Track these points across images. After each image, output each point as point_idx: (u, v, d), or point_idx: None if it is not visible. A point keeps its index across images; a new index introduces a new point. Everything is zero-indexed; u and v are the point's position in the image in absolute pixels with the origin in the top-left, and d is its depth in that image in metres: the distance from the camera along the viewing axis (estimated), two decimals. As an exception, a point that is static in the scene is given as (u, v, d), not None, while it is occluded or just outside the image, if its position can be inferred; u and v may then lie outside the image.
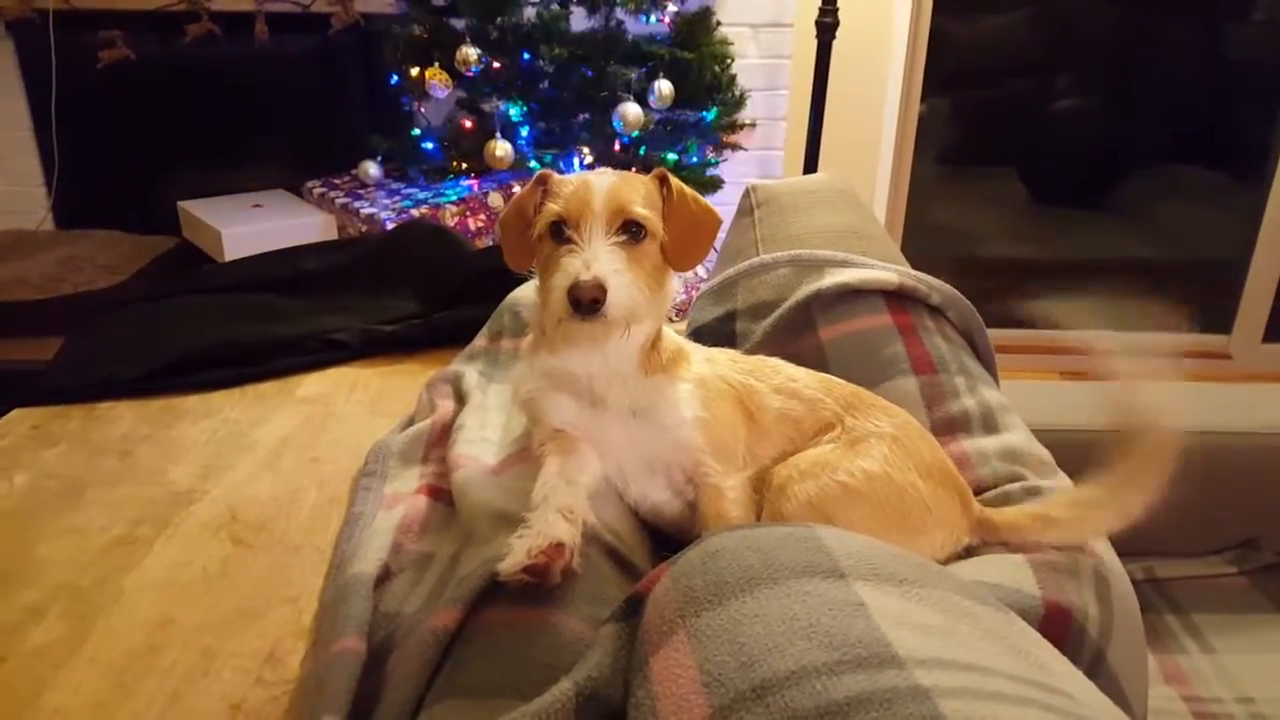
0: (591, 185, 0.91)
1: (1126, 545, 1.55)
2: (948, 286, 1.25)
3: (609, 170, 0.96)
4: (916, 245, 3.61)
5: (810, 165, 3.09)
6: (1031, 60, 3.55)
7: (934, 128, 3.52)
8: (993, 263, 3.80)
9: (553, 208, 0.90)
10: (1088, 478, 0.92)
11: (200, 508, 1.14)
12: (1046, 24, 3.50)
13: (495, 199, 2.77)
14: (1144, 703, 0.92)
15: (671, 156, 2.90)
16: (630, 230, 0.90)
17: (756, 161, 3.24)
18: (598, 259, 0.87)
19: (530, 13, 2.73)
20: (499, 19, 2.71)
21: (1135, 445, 0.88)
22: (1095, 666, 0.83)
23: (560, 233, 0.90)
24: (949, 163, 3.64)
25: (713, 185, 2.97)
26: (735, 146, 3.07)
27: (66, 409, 1.39)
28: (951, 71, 3.44)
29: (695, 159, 2.96)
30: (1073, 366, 3.16)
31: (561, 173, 0.96)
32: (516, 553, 0.78)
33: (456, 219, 2.70)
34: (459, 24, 2.75)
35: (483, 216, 2.75)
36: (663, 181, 0.96)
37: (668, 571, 0.68)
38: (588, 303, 0.85)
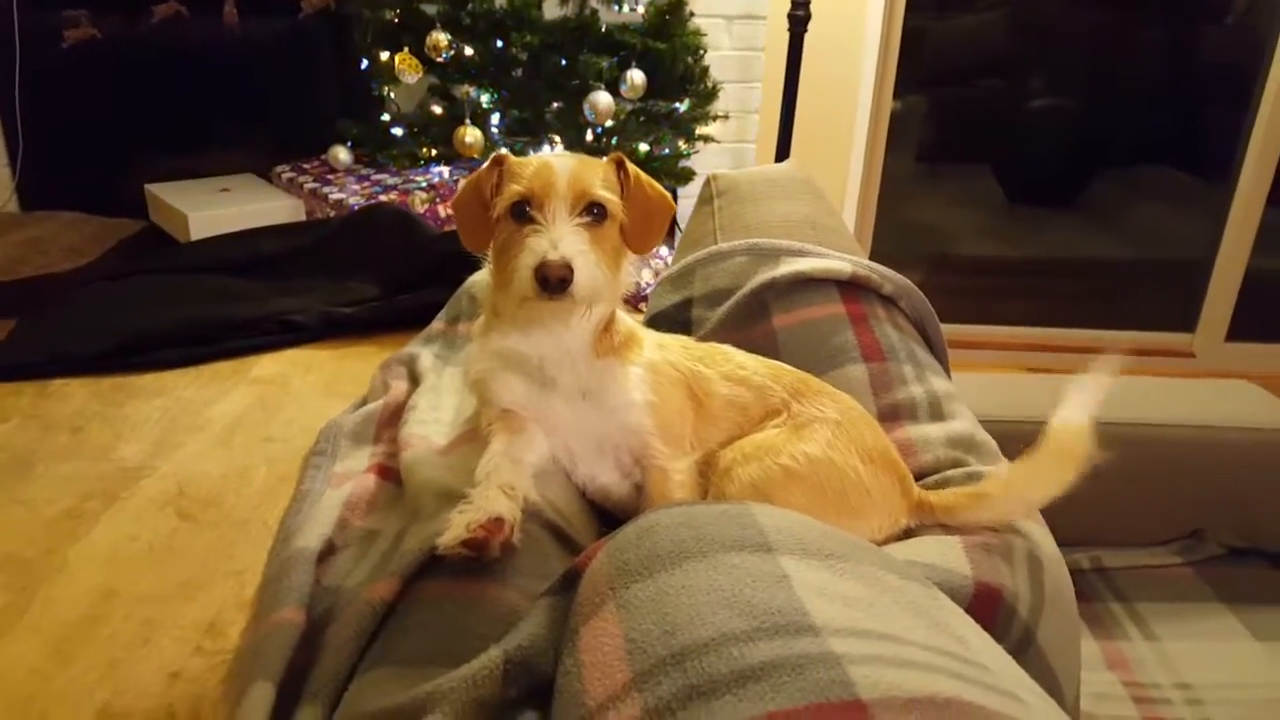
0: (554, 167, 0.91)
1: (1075, 535, 1.58)
2: (900, 277, 1.26)
3: (567, 153, 0.96)
4: (890, 241, 3.64)
5: (782, 159, 3.10)
6: (1007, 60, 3.58)
7: (910, 125, 3.53)
8: (966, 260, 3.82)
9: (515, 188, 0.90)
10: (1019, 459, 0.94)
11: (149, 483, 1.13)
12: (1022, 24, 3.53)
13: (465, 186, 2.76)
14: (1075, 680, 0.94)
15: (644, 147, 2.90)
16: (593, 212, 0.91)
17: (729, 154, 3.25)
18: (564, 239, 0.88)
19: (502, -1, 2.73)
20: (470, 5, 2.70)
21: (1061, 428, 0.92)
22: (1024, 645, 0.85)
23: (522, 213, 0.90)
24: (925, 160, 3.67)
25: (685, 177, 2.98)
26: (708, 139, 3.08)
27: (19, 385, 1.37)
28: (928, 69, 3.46)
29: (668, 150, 2.96)
30: (1039, 363, 3.20)
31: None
32: (455, 527, 0.78)
33: (426, 205, 2.69)
34: (430, 9, 2.74)
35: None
36: (619, 166, 0.96)
37: (604, 546, 0.69)
38: (556, 282, 0.85)
